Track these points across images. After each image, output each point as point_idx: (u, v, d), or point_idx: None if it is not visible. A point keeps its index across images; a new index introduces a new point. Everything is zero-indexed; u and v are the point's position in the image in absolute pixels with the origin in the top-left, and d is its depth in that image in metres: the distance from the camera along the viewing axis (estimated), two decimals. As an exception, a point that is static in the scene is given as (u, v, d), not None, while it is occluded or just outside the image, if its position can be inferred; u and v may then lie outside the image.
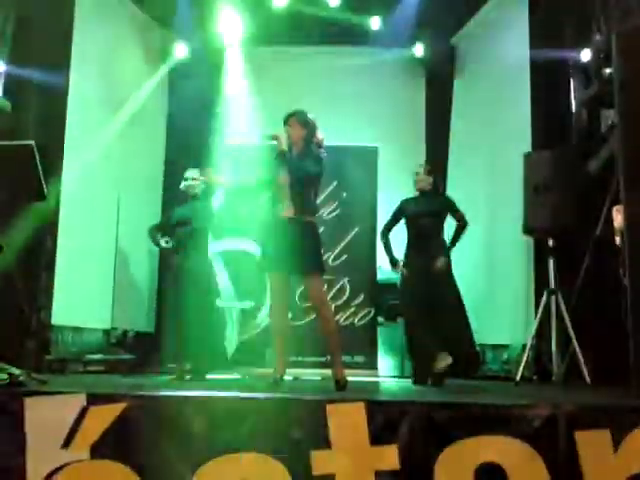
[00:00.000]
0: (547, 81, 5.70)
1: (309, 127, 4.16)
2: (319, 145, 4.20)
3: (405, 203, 5.36)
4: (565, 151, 5.39)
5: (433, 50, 7.38)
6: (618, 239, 4.19)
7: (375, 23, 7.20)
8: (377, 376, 6.30)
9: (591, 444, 2.60)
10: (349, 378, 4.02)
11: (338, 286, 6.48)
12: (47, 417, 2.65)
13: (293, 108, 4.23)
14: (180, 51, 7.29)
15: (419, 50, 7.41)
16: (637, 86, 3.32)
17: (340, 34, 7.26)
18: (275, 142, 4.12)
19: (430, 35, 7.32)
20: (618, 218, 4.16)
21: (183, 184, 5.49)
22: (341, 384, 3.92)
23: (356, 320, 6.42)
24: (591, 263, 5.01)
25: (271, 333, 4.38)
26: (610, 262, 4.53)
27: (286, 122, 4.18)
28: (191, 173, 5.50)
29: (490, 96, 6.57)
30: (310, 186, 4.13)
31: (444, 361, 4.65)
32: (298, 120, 4.15)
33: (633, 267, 3.21)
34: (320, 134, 4.22)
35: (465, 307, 5.15)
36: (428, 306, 4.93)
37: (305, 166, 4.05)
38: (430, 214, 5.18)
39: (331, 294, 6.45)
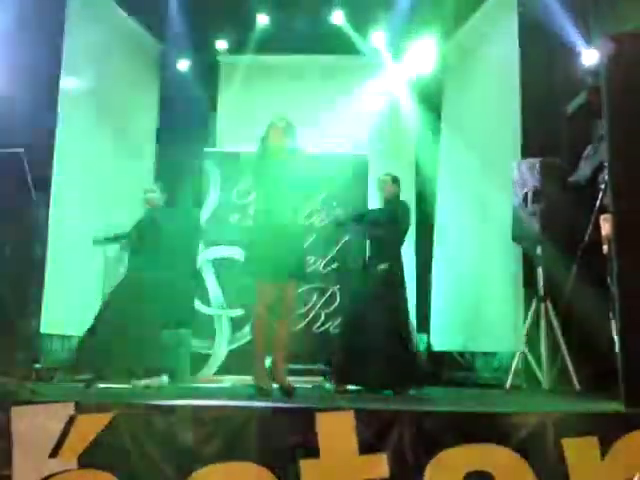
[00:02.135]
0: (537, 89, 5.74)
1: (293, 134, 4.25)
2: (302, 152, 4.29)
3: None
4: (554, 160, 5.43)
5: (423, 57, 7.39)
6: (606, 247, 4.22)
7: (365, 32, 7.23)
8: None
9: (579, 451, 2.62)
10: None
11: (329, 294, 6.48)
12: (34, 426, 2.64)
13: (279, 115, 4.29)
14: (171, 60, 7.28)
15: (409, 58, 7.44)
16: (625, 95, 3.35)
17: (331, 44, 7.29)
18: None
19: (420, 42, 7.34)
20: (606, 226, 4.18)
21: (143, 197, 5.41)
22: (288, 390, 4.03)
23: (331, 328, 6.41)
24: (580, 271, 5.03)
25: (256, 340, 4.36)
26: (599, 270, 4.55)
27: (273, 126, 4.27)
28: (147, 187, 5.48)
29: (480, 104, 6.60)
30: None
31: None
32: (285, 125, 4.27)
33: (621, 274, 3.23)
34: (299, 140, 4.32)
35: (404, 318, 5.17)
36: (364, 318, 4.98)
37: (300, 174, 4.20)
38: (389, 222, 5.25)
39: (321, 302, 6.45)
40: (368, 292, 5.04)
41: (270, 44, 7.30)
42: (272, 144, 4.19)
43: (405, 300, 5.21)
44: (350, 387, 4.99)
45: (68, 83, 5.73)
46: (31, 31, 5.44)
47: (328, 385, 5.14)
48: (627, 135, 3.30)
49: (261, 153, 4.22)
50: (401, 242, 5.26)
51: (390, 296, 5.07)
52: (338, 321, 6.40)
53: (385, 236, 5.18)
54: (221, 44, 7.35)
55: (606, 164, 3.47)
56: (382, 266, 5.02)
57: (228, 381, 6.04)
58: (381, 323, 4.91)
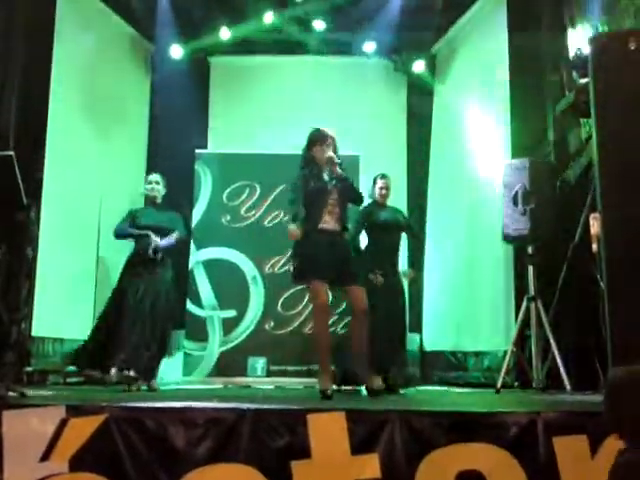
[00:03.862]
0: (527, 89, 5.77)
1: (335, 146, 4.31)
2: (339, 162, 4.29)
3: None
4: (544, 160, 5.46)
5: (414, 59, 7.41)
6: (595, 246, 4.24)
7: (356, 33, 7.24)
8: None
9: (569, 450, 2.63)
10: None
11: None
12: (25, 430, 2.63)
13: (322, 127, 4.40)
14: (163, 60, 7.27)
15: (400, 59, 7.45)
16: (613, 95, 3.37)
17: (323, 45, 7.31)
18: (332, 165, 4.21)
19: (411, 44, 7.36)
20: (595, 225, 4.21)
21: (144, 188, 5.35)
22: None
23: (339, 328, 6.41)
24: (570, 270, 5.06)
25: (318, 343, 4.21)
26: (589, 269, 4.58)
27: (322, 141, 4.28)
28: (154, 177, 5.36)
29: (470, 104, 6.63)
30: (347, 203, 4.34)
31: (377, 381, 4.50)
32: (332, 140, 4.32)
33: (610, 273, 3.25)
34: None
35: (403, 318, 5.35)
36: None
37: (357, 190, 4.33)
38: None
39: (314, 302, 6.46)
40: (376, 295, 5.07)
41: (261, 44, 7.31)
42: (327, 157, 4.23)
43: (405, 302, 5.44)
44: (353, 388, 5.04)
45: (58, 86, 5.71)
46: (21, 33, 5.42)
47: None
48: (614, 134, 3.33)
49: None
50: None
51: (396, 299, 5.23)
52: (330, 322, 6.41)
53: (397, 241, 5.35)
54: (213, 43, 7.31)
55: (594, 163, 3.49)
56: (408, 272, 5.39)
57: (220, 383, 6.04)
58: (385, 324, 4.98)
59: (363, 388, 4.92)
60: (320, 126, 4.40)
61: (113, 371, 4.67)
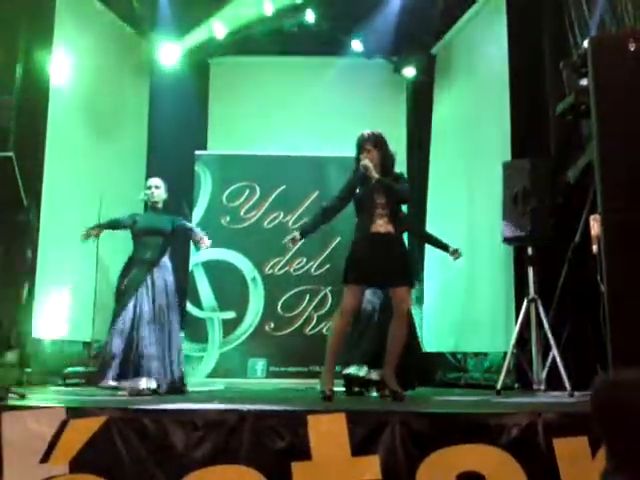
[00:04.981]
0: (526, 90, 5.77)
1: (381, 146, 4.29)
2: (392, 161, 4.34)
3: None
4: (544, 160, 5.45)
5: (413, 60, 7.42)
6: (595, 247, 4.23)
7: (356, 34, 7.24)
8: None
9: (570, 451, 2.63)
10: (334, 388, 4.04)
11: (320, 295, 6.49)
12: (25, 432, 2.63)
13: (367, 131, 4.34)
14: (162, 61, 7.26)
15: (399, 60, 7.46)
16: (612, 96, 3.37)
17: (321, 45, 7.30)
18: (367, 172, 4.20)
19: (410, 45, 7.37)
20: (595, 226, 4.19)
21: (143, 193, 5.25)
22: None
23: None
24: (570, 271, 5.05)
25: (329, 342, 4.22)
26: (589, 270, 4.57)
27: (362, 148, 4.28)
28: (154, 181, 5.27)
29: (470, 105, 6.63)
30: (400, 205, 4.39)
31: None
32: (372, 144, 4.27)
33: (610, 274, 3.25)
34: (392, 149, 4.39)
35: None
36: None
37: (400, 190, 4.26)
38: None
39: (314, 303, 6.46)
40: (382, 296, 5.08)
41: (260, 45, 7.31)
42: (371, 165, 4.21)
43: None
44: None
45: (58, 87, 5.72)
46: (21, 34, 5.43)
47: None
48: (614, 135, 3.33)
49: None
50: None
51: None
52: (330, 322, 6.41)
53: None
54: (212, 44, 7.30)
55: (594, 164, 3.49)
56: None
57: (220, 384, 6.04)
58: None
59: (374, 393, 4.93)
60: (366, 129, 4.36)
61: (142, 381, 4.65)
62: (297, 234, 4.36)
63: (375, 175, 4.19)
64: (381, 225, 4.20)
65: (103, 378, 4.60)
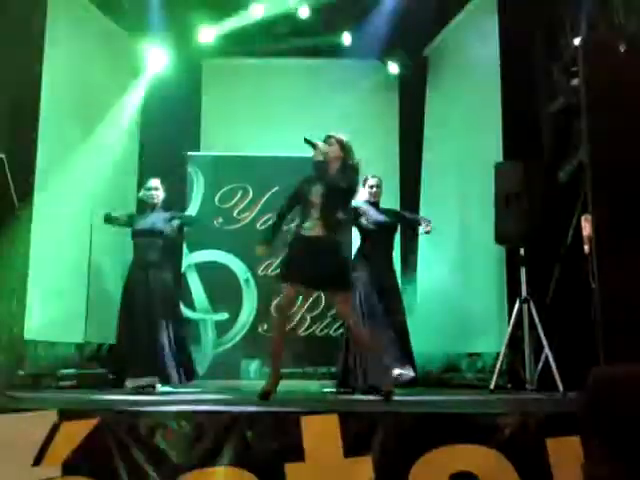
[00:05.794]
0: (518, 91, 5.78)
1: (346, 151, 4.27)
2: (355, 170, 4.29)
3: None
4: (535, 161, 5.47)
5: (406, 61, 7.43)
6: (587, 247, 4.25)
7: (348, 35, 7.24)
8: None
9: (562, 450, 2.64)
10: (326, 390, 4.05)
11: (314, 297, 6.48)
12: (17, 434, 2.62)
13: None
14: (154, 64, 7.24)
15: (392, 61, 7.46)
16: (603, 97, 3.38)
17: (314, 47, 7.30)
18: (313, 149, 4.22)
19: (403, 46, 7.38)
20: (587, 227, 4.22)
21: (142, 193, 5.45)
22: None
23: (332, 331, 6.42)
24: (562, 271, 5.07)
25: (272, 340, 4.35)
26: (581, 270, 4.58)
27: (326, 140, 4.30)
28: (154, 183, 5.44)
29: (462, 106, 6.64)
30: (339, 203, 4.25)
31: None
32: (337, 141, 4.28)
33: (601, 274, 3.26)
34: (356, 159, 4.32)
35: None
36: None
37: (339, 181, 4.17)
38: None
39: (307, 305, 6.46)
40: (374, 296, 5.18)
41: (253, 47, 7.30)
42: (324, 152, 4.25)
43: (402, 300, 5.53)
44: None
45: (49, 87, 5.69)
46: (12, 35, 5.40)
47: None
48: (605, 135, 3.34)
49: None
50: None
51: (394, 298, 5.35)
52: (324, 323, 6.43)
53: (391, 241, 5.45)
54: (205, 46, 7.29)
55: (585, 164, 3.50)
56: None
57: (213, 386, 6.02)
58: (386, 324, 5.10)
59: (361, 395, 4.94)
60: (311, 127, 4.41)
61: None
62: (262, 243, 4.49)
63: (320, 157, 4.20)
64: (309, 228, 4.19)
65: (129, 377, 4.95)
